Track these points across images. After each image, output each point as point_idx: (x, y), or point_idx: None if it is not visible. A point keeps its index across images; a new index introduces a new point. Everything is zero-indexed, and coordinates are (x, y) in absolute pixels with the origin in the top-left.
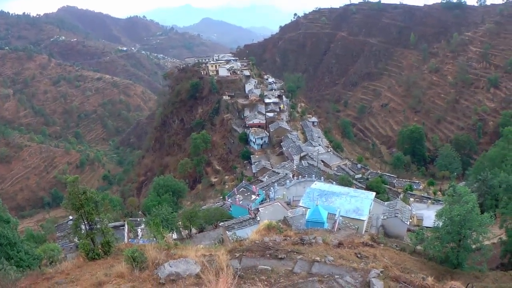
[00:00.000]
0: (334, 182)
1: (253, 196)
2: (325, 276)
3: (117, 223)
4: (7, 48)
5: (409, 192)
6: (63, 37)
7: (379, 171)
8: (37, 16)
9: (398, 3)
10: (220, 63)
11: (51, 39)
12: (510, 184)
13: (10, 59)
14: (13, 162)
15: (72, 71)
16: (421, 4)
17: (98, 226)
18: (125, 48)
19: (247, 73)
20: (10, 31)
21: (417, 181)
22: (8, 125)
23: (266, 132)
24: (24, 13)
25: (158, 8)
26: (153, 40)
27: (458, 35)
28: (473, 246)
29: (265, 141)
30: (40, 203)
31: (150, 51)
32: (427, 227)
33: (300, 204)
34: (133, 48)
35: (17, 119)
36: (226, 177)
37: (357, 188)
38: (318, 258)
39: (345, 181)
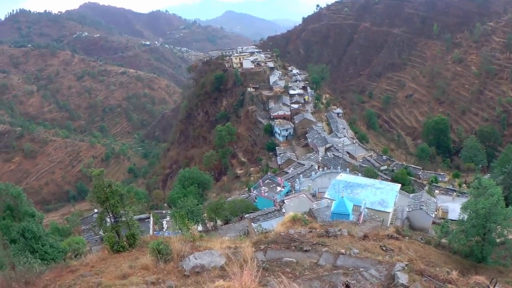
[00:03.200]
0: (359, 174)
1: (279, 188)
2: (350, 269)
3: (142, 216)
4: (29, 45)
5: (434, 184)
6: (86, 33)
7: (404, 163)
8: (59, 13)
9: None
10: (244, 55)
11: (74, 36)
12: None
13: (33, 56)
14: (38, 157)
15: (95, 66)
16: None
17: (123, 218)
18: (148, 43)
19: (271, 65)
20: (32, 28)
21: (442, 173)
22: (32, 121)
23: (291, 124)
24: (45, 10)
25: (182, 4)
26: (176, 34)
27: (481, 25)
28: (498, 240)
29: (290, 133)
30: (65, 196)
31: (173, 44)
32: (452, 220)
33: (326, 196)
34: (156, 42)
35: (41, 114)
36: (252, 169)
37: (383, 179)
38: (343, 251)
39: (370, 173)
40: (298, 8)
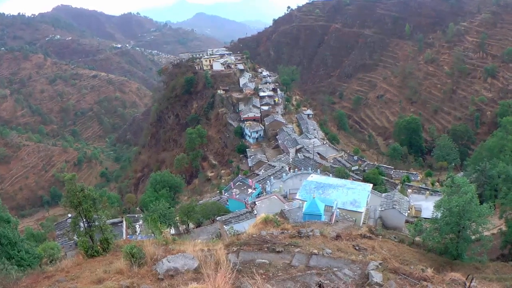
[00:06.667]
0: (330, 175)
1: (250, 190)
2: (323, 269)
3: (115, 220)
4: (3, 48)
5: (406, 183)
6: (58, 36)
7: (376, 163)
8: (32, 16)
9: None
10: (214, 57)
11: (47, 39)
12: (509, 174)
13: (7, 59)
14: (12, 162)
15: (67, 69)
16: None
17: (97, 223)
18: (119, 45)
19: (241, 67)
20: (6, 31)
21: (415, 172)
22: (6, 125)
23: (262, 126)
24: (19, 13)
25: (153, 7)
26: (147, 36)
27: (454, 25)
28: (473, 237)
29: (260, 135)
30: (40, 202)
31: (144, 47)
32: (425, 218)
33: (297, 197)
34: (127, 45)
35: (14, 119)
36: (222, 171)
37: (354, 180)
38: (316, 251)
39: (341, 173)
40: (269, 10)
